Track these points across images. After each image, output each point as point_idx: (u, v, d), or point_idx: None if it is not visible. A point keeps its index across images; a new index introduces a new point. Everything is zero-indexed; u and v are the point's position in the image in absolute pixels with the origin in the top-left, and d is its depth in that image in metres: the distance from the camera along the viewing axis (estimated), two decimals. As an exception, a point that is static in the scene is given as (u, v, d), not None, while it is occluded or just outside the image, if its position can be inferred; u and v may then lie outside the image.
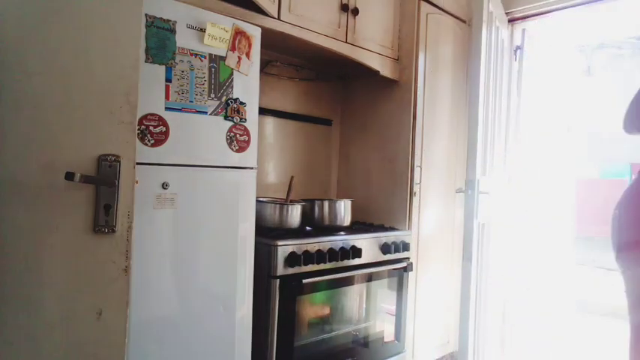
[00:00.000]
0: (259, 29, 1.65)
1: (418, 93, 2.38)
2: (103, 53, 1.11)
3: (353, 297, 2.11)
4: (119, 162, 1.10)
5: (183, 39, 1.45)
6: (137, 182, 1.15)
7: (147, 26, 1.37)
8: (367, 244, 2.08)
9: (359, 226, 2.33)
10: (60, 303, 1.08)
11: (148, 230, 1.37)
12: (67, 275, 1.08)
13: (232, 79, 1.57)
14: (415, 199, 2.37)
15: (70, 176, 1.01)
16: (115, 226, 1.10)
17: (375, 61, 2.33)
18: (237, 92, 1.58)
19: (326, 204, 2.15)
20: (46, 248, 1.06)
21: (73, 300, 1.09)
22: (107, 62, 1.11)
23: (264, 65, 2.32)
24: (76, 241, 1.08)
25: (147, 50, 1.37)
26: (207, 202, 1.51)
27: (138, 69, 1.14)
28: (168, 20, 1.42)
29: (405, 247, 2.25)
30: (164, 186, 1.41)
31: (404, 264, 2.22)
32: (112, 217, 1.10)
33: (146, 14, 1.37)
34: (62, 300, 1.08)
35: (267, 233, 1.85)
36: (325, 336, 1.99)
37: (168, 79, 1.42)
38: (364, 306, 2.17)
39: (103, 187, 1.09)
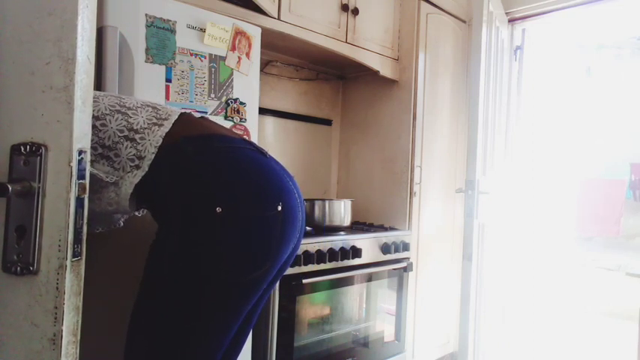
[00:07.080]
0: (259, 29, 1.65)
1: (418, 93, 2.38)
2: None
3: (353, 297, 2.11)
4: (41, 154, 0.66)
5: (184, 39, 1.45)
6: (85, 191, 0.68)
7: (147, 26, 1.37)
8: (367, 244, 2.08)
9: (359, 226, 2.34)
10: None
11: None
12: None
13: (232, 79, 1.57)
14: (415, 199, 2.37)
15: None
16: (32, 264, 0.65)
17: (375, 61, 2.33)
18: (237, 92, 1.58)
19: (326, 204, 2.15)
20: None
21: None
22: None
23: (264, 65, 2.32)
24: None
25: (147, 50, 1.37)
26: (207, 202, 1.50)
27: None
28: (168, 20, 1.42)
29: (405, 247, 2.25)
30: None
31: (404, 264, 2.22)
32: (27, 247, 0.65)
33: (146, 14, 1.37)
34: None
35: (267, 233, 1.85)
36: (325, 336, 1.99)
37: (168, 79, 1.42)
38: (364, 306, 2.17)
39: (18, 198, 0.66)
